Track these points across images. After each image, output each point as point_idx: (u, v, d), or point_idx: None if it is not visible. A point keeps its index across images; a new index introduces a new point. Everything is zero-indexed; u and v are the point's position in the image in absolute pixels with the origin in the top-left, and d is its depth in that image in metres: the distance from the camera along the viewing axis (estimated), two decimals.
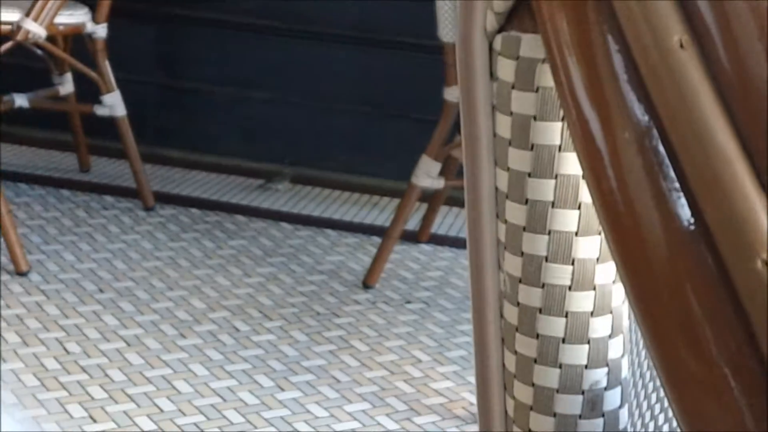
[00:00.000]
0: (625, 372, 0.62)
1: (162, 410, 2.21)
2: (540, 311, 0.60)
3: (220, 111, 3.84)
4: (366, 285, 2.91)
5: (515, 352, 0.61)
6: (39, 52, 3.30)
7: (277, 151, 3.78)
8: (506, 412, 0.63)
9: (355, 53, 3.68)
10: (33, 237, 3.06)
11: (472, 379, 2.39)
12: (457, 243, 3.27)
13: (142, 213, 3.32)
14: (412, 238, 3.22)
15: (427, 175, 2.85)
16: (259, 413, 2.23)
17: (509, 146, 0.59)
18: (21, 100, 3.20)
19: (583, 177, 0.58)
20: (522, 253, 0.60)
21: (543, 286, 0.60)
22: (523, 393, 0.61)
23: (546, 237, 0.59)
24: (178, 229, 3.21)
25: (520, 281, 0.60)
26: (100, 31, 3.21)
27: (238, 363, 2.43)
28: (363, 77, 3.69)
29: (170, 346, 2.48)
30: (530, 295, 0.60)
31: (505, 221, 0.60)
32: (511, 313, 0.61)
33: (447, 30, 2.78)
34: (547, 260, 0.59)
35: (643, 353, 0.69)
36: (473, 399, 2.34)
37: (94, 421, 2.15)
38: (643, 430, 0.64)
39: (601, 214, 0.44)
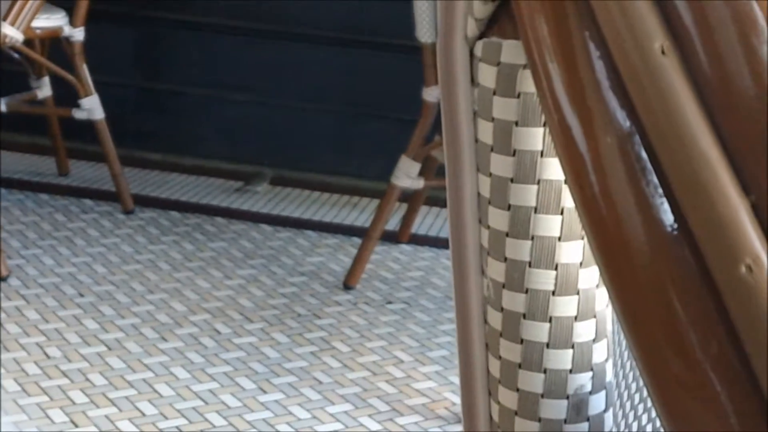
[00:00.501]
0: (609, 376, 0.63)
1: (144, 414, 2.20)
2: (524, 316, 0.60)
3: (199, 113, 3.83)
4: (347, 286, 2.90)
5: (499, 357, 0.61)
6: (16, 55, 3.29)
7: (256, 153, 3.78)
8: (491, 417, 0.63)
9: (335, 54, 3.67)
10: (12, 241, 3.05)
11: (455, 379, 2.40)
12: (437, 243, 3.27)
13: (121, 216, 3.31)
14: (392, 238, 3.22)
15: (407, 175, 2.85)
16: (241, 415, 2.23)
17: (491, 152, 0.59)
18: None
19: (566, 182, 0.58)
20: (505, 259, 0.60)
21: (527, 291, 0.60)
22: (507, 398, 0.61)
23: (529, 242, 0.59)
24: (158, 232, 3.21)
25: (503, 286, 0.60)
26: (78, 34, 3.20)
27: (220, 365, 2.43)
28: (343, 78, 3.69)
29: (151, 350, 2.48)
30: (514, 301, 0.60)
31: (488, 227, 0.60)
32: (495, 319, 0.61)
33: (425, 30, 2.78)
34: (530, 265, 0.60)
35: (626, 355, 0.69)
36: (456, 399, 2.35)
37: (76, 425, 2.15)
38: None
39: (583, 219, 0.44)
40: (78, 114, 3.24)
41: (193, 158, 3.80)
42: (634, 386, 0.68)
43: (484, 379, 0.62)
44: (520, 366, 0.60)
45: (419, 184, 2.89)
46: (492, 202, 0.60)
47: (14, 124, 3.70)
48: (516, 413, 0.60)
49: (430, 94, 2.82)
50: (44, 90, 3.41)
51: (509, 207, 0.59)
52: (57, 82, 3.37)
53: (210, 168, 3.76)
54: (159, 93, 3.85)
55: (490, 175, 0.60)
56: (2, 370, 2.33)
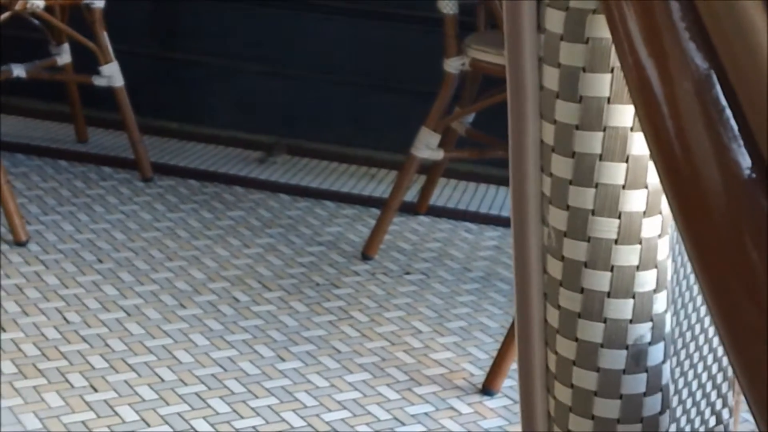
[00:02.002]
0: (668, 327, 0.62)
1: (163, 380, 2.21)
2: (585, 265, 0.60)
3: (217, 83, 3.83)
4: (365, 256, 2.91)
5: (558, 307, 0.61)
6: (36, 22, 3.28)
7: (273, 123, 3.77)
8: (547, 367, 0.62)
9: (354, 25, 3.66)
10: (31, 207, 3.05)
11: (473, 350, 2.40)
12: (455, 215, 3.27)
13: (140, 184, 3.31)
14: (410, 209, 3.22)
15: (427, 146, 2.85)
16: (260, 383, 2.23)
17: (556, 98, 0.58)
18: (18, 70, 3.19)
19: (633, 129, 0.58)
20: (568, 207, 0.59)
21: (589, 239, 0.59)
22: (565, 348, 0.60)
23: (593, 190, 0.59)
24: (177, 200, 3.21)
25: (565, 235, 0.60)
26: (98, 1, 3.19)
27: (238, 333, 2.43)
28: (361, 49, 3.68)
29: (170, 317, 2.48)
30: (575, 249, 0.60)
31: (551, 174, 0.60)
32: (555, 268, 0.61)
33: (447, 1, 2.77)
34: (593, 214, 0.59)
35: (689, 307, 0.69)
36: (474, 370, 2.35)
37: (95, 390, 2.15)
38: (684, 384, 0.64)
39: (658, 164, 0.44)
40: (98, 81, 3.24)
41: (210, 128, 3.80)
42: (689, 335, 0.67)
43: (541, 329, 0.61)
44: (579, 315, 0.60)
45: (439, 155, 2.89)
46: (556, 149, 0.59)
47: (33, 90, 3.70)
48: (574, 363, 0.60)
49: (451, 65, 2.81)
50: (64, 57, 3.41)
51: (574, 154, 0.59)
52: (76, 50, 3.37)
53: (227, 137, 3.76)
54: (176, 62, 3.85)
55: (555, 122, 0.59)
56: (22, 335, 2.34)
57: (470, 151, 3.13)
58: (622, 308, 0.60)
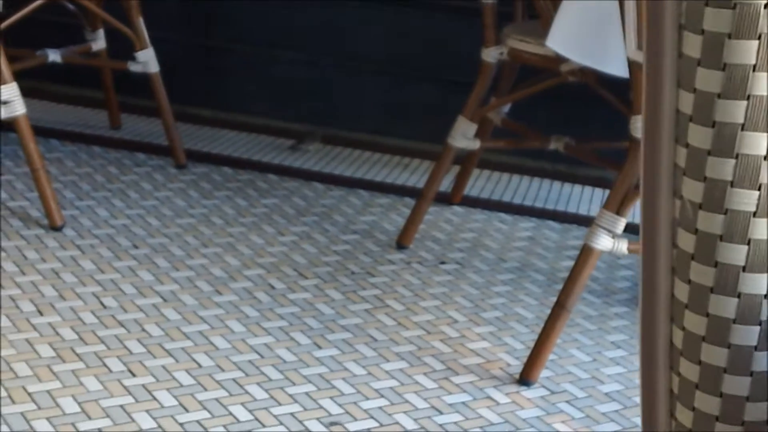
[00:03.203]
0: None
1: (200, 365, 2.20)
2: (720, 238, 0.58)
3: (249, 71, 3.82)
4: (400, 245, 2.90)
5: (688, 282, 0.60)
6: (72, 7, 3.28)
7: (306, 112, 3.77)
8: (672, 343, 0.61)
9: (388, 13, 3.65)
10: (66, 192, 3.05)
11: (509, 340, 2.39)
12: (489, 205, 3.26)
13: (173, 170, 3.31)
14: (444, 199, 3.21)
15: (464, 136, 2.84)
16: (297, 370, 2.22)
17: (697, 66, 0.57)
18: (54, 56, 3.19)
19: None
20: (705, 178, 0.58)
21: (726, 212, 0.58)
22: (695, 323, 0.59)
23: (733, 161, 0.57)
24: (211, 187, 3.20)
25: (700, 207, 0.58)
26: None
27: (275, 320, 2.42)
28: (395, 38, 3.67)
29: (206, 303, 2.48)
30: (711, 222, 0.58)
31: (687, 145, 0.59)
32: (687, 241, 0.59)
33: None
34: (732, 185, 0.58)
35: None
36: (510, 360, 2.34)
37: (133, 375, 2.15)
38: None
39: None
40: (133, 67, 3.24)
41: (243, 115, 3.79)
42: None
43: (667, 305, 0.60)
44: (712, 290, 0.58)
45: (475, 145, 2.88)
46: (694, 119, 0.58)
47: (67, 76, 3.70)
48: (703, 339, 0.59)
49: (489, 55, 2.79)
50: (99, 42, 3.41)
51: (714, 124, 0.57)
52: (110, 35, 3.37)
53: (260, 125, 3.76)
54: (209, 50, 3.84)
55: (695, 90, 0.58)
56: (59, 319, 2.34)
57: (506, 142, 3.12)
58: (757, 283, 0.58)
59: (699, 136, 0.58)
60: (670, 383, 0.62)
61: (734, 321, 0.59)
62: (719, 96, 0.57)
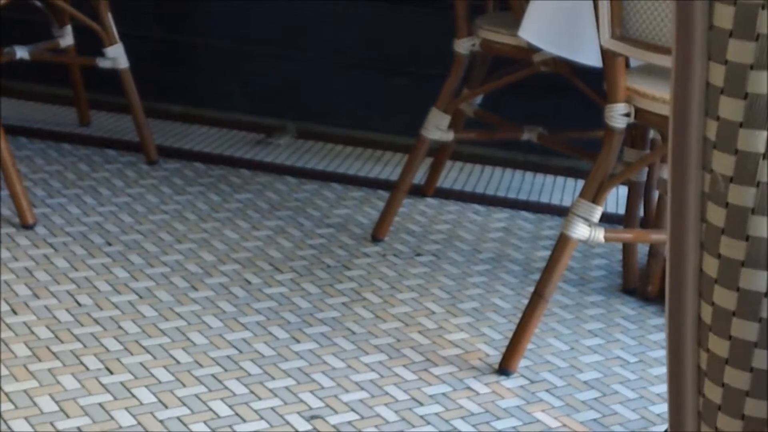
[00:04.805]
0: None
1: (179, 362, 2.19)
2: (752, 211, 0.58)
3: (220, 66, 3.80)
4: (375, 238, 2.89)
5: (718, 256, 0.59)
6: (39, 4, 3.25)
7: (279, 106, 3.75)
8: (700, 318, 0.60)
9: (360, 7, 3.64)
10: (36, 190, 3.02)
11: (487, 331, 2.39)
12: (462, 197, 3.26)
13: (145, 167, 3.28)
14: (417, 192, 3.20)
15: (437, 127, 2.83)
16: (276, 364, 2.21)
17: (729, 38, 0.56)
18: (22, 53, 3.16)
19: None
20: (736, 151, 0.58)
21: (758, 184, 0.57)
22: (725, 298, 0.58)
23: (765, 133, 0.57)
24: (183, 183, 3.19)
25: (731, 180, 0.58)
26: None
27: (252, 315, 2.41)
28: (367, 32, 3.66)
29: (182, 299, 2.46)
30: (742, 195, 0.58)
31: (718, 118, 0.58)
32: (717, 215, 0.59)
33: None
34: (764, 157, 0.57)
35: None
36: (488, 350, 2.34)
37: (111, 372, 2.13)
38: None
39: None
40: (102, 63, 3.21)
41: (215, 111, 3.77)
42: None
43: (695, 279, 0.59)
44: (743, 264, 0.58)
45: (449, 136, 2.87)
46: (725, 91, 0.57)
47: (35, 74, 3.67)
48: (734, 314, 0.58)
49: (462, 46, 2.79)
50: (67, 39, 3.38)
51: (746, 96, 0.57)
52: (78, 31, 3.34)
53: (232, 121, 3.74)
54: (179, 45, 3.82)
55: (726, 62, 0.57)
56: (34, 318, 2.31)
57: (479, 133, 3.11)
58: None
59: (730, 108, 0.57)
60: (698, 359, 0.62)
61: (766, 294, 0.58)
62: (752, 67, 0.56)
